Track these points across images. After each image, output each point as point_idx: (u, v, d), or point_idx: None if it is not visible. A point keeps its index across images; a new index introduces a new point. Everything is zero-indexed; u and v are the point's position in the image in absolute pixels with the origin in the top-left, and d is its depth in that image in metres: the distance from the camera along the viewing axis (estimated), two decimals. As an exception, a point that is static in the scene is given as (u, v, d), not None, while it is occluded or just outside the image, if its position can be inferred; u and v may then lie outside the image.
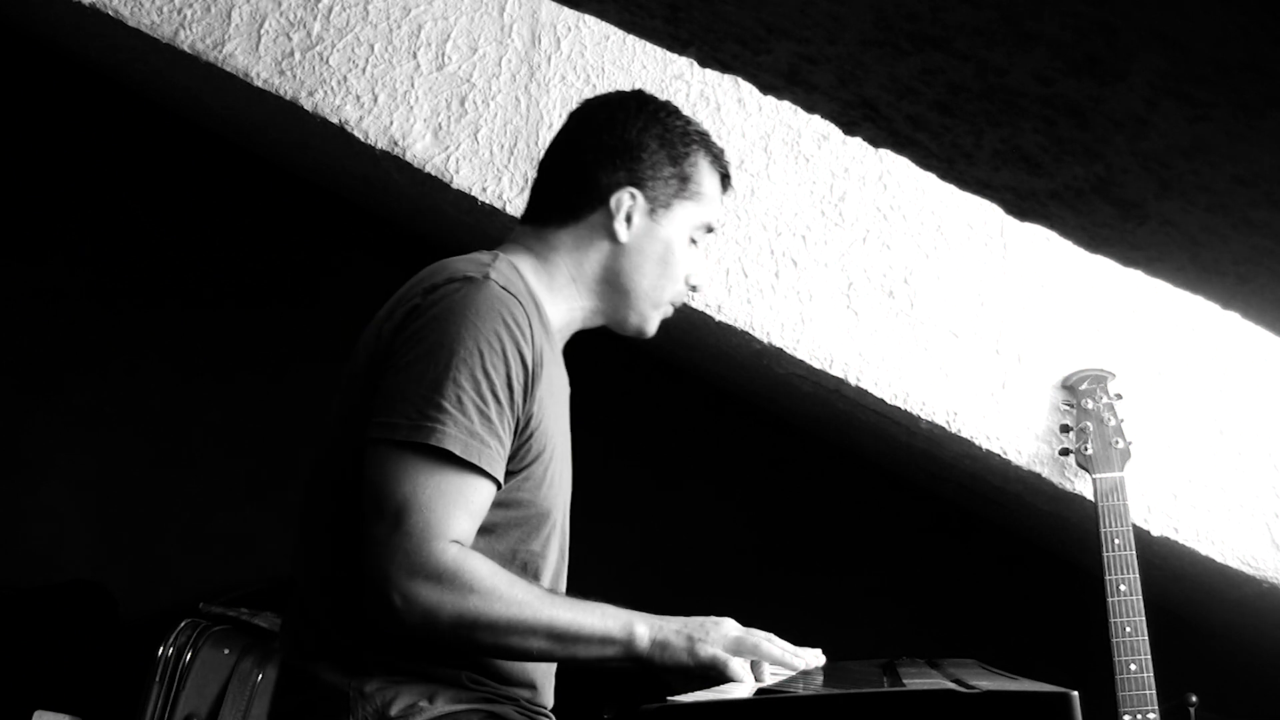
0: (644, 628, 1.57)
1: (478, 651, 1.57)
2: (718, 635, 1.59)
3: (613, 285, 1.76)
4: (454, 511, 1.52)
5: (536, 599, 1.54)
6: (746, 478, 3.57)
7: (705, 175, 1.80)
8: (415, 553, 1.49)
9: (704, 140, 1.81)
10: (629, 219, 1.74)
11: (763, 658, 1.60)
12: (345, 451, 1.61)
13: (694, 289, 1.83)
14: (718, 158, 1.82)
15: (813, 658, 1.66)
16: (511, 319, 1.59)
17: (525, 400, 1.60)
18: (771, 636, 1.64)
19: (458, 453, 1.52)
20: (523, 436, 1.61)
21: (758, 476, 3.57)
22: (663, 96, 2.57)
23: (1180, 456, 2.47)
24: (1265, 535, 2.43)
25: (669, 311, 1.83)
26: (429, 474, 1.52)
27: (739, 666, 1.57)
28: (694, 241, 1.80)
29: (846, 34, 1.08)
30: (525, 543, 1.65)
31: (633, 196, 1.74)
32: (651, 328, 1.81)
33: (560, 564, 1.76)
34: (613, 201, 1.74)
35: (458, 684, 1.58)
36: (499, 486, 1.58)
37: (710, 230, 1.83)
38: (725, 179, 1.84)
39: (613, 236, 1.74)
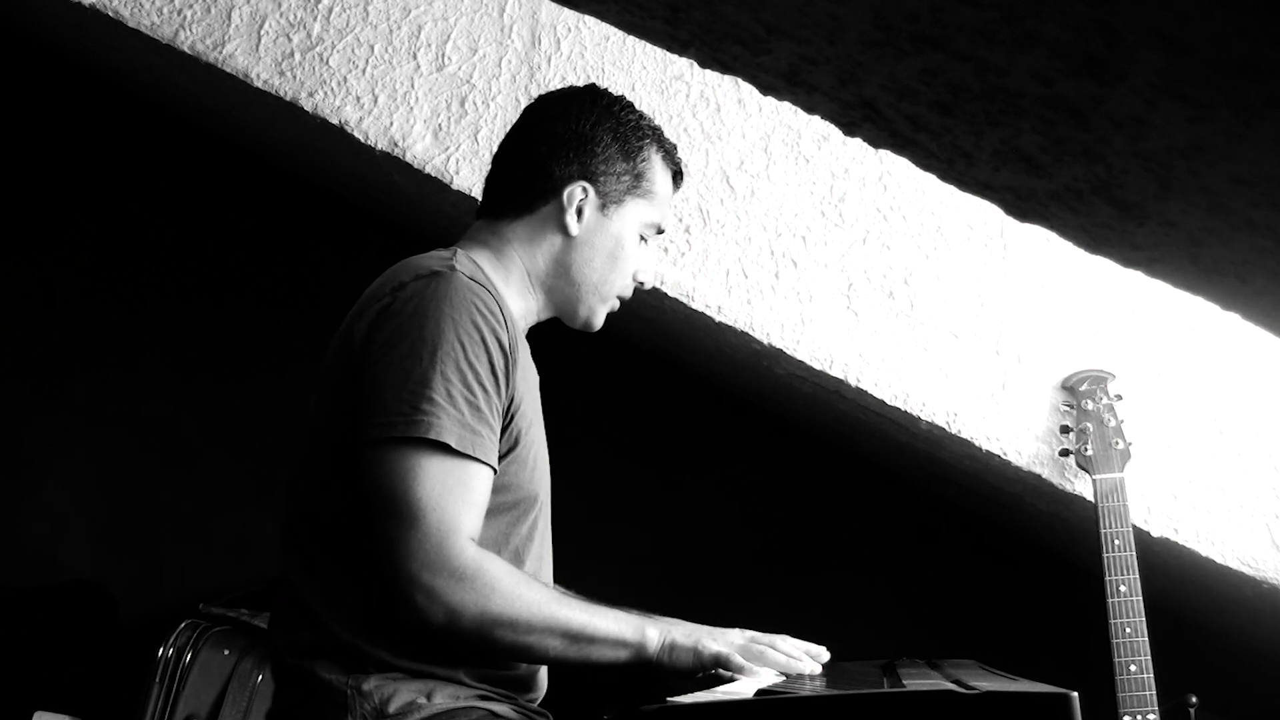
0: (654, 631, 1.61)
1: (496, 650, 1.59)
2: (725, 640, 1.64)
3: (562, 278, 1.78)
4: (463, 507, 1.55)
5: (553, 600, 1.58)
6: (747, 478, 3.57)
7: (658, 173, 1.82)
8: (436, 552, 1.51)
9: (657, 136, 1.83)
10: (580, 213, 1.76)
11: (768, 663, 1.63)
12: (325, 451, 1.63)
13: (641, 285, 1.85)
14: (670, 154, 1.84)
15: (819, 654, 1.70)
16: (485, 307, 1.61)
17: (507, 385, 1.63)
18: (777, 641, 1.67)
19: (454, 444, 1.54)
20: (507, 420, 1.64)
21: (758, 476, 3.57)
22: (662, 97, 2.60)
23: (1180, 457, 2.46)
24: (1265, 536, 2.43)
25: (615, 306, 1.85)
26: (432, 469, 1.54)
27: (742, 661, 1.61)
28: (644, 239, 1.83)
29: (846, 34, 1.08)
30: (515, 527, 1.68)
31: (585, 190, 1.76)
32: (598, 321, 1.84)
33: (546, 553, 1.77)
34: (565, 194, 1.76)
35: (455, 681, 1.59)
36: (494, 473, 1.61)
37: (660, 231, 1.86)
38: (677, 176, 1.86)
39: (564, 229, 1.76)
